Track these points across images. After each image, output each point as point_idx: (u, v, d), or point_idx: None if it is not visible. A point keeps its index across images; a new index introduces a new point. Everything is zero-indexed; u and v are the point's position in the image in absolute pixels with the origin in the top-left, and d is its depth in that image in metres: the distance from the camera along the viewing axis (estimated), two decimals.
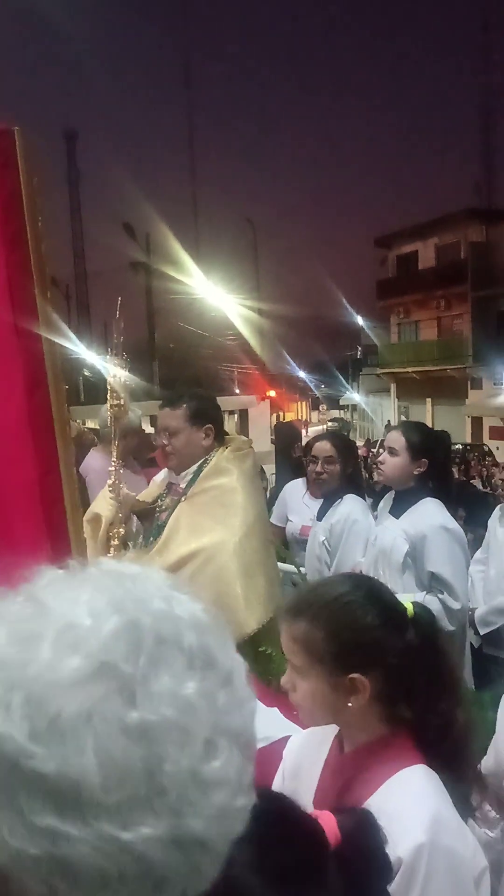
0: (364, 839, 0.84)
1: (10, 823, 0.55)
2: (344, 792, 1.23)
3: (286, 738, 1.85)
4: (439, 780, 1.21)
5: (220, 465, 2.51)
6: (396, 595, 2.85)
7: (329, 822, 0.79)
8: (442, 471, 3.20)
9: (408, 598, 2.83)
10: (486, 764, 1.69)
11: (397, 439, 3.04)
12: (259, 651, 2.37)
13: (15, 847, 0.55)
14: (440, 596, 2.88)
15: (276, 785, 1.41)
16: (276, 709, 1.94)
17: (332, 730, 1.33)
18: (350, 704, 1.22)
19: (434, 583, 2.91)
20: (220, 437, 2.61)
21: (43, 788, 0.54)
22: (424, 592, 2.92)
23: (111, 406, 2.48)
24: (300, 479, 4.43)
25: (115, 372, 2.45)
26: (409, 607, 1.31)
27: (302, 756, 1.40)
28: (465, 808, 1.24)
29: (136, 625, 0.60)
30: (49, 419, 1.47)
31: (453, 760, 1.24)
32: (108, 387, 2.48)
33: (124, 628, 0.59)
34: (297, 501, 4.32)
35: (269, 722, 1.84)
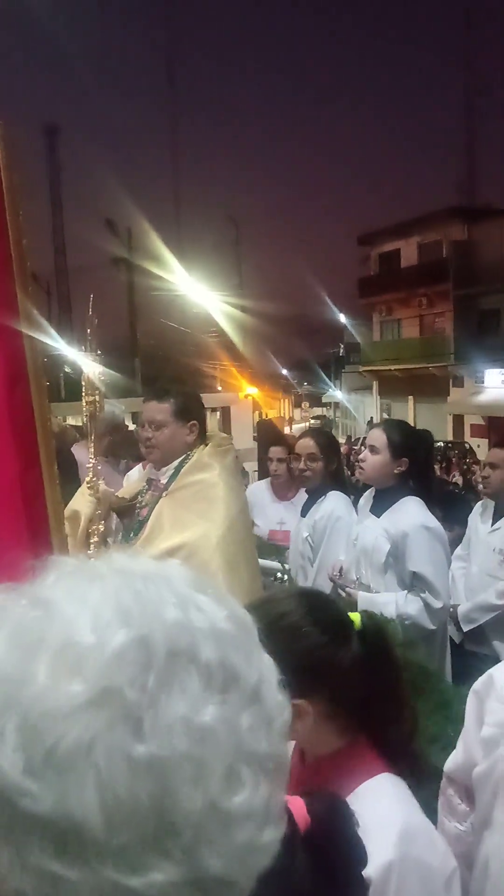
0: (335, 823, 0.84)
1: (9, 861, 0.50)
2: None
3: None
4: (404, 786, 1.20)
5: (202, 460, 2.50)
6: (377, 596, 2.90)
7: (298, 807, 0.78)
8: (423, 469, 3.20)
9: (390, 596, 2.88)
10: (455, 758, 1.69)
11: (378, 437, 3.05)
12: None
13: (13, 887, 0.50)
14: (422, 595, 2.90)
15: None
16: None
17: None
18: (295, 731, 1.16)
19: (416, 582, 2.92)
20: (203, 435, 2.62)
21: (40, 829, 0.49)
22: (406, 591, 2.94)
23: (86, 402, 2.46)
24: (263, 481, 4.46)
25: (89, 368, 2.43)
26: (356, 619, 1.26)
27: None
28: (430, 811, 1.26)
29: (146, 641, 0.53)
30: (30, 415, 1.46)
31: (415, 767, 1.24)
32: (83, 383, 2.46)
33: (131, 646, 0.52)
34: (262, 504, 4.33)
35: None
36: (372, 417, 28.91)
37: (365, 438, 3.21)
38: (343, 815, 0.81)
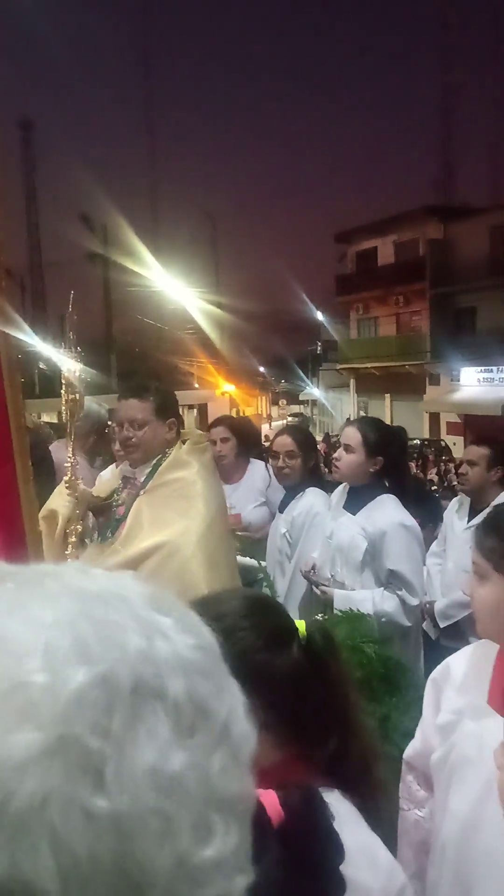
0: (310, 816, 0.81)
1: None
2: None
3: None
4: (342, 801, 1.14)
5: (181, 458, 2.48)
6: (354, 594, 2.90)
7: (271, 801, 0.76)
8: (398, 467, 3.22)
9: (366, 594, 2.89)
10: (414, 745, 1.71)
11: (353, 436, 3.05)
12: None
13: None
14: (398, 592, 2.91)
15: None
16: None
17: None
18: None
19: (392, 579, 2.93)
20: (179, 432, 2.61)
21: None
22: (382, 589, 2.95)
23: (66, 401, 2.43)
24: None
25: (69, 366, 2.39)
26: (302, 628, 1.20)
27: None
28: (377, 826, 1.18)
29: (108, 679, 0.46)
30: (3, 410, 1.42)
31: (354, 786, 1.17)
32: (63, 381, 2.42)
33: (92, 686, 0.46)
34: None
35: None
36: (350, 415, 29.03)
37: (339, 437, 3.22)
38: (317, 807, 0.79)
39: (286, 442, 3.64)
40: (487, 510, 3.85)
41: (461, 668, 1.60)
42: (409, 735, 1.98)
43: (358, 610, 2.76)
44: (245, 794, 0.52)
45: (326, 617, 2.82)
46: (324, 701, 1.17)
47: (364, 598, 2.90)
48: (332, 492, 3.46)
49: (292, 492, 3.64)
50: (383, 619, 2.85)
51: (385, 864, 1.11)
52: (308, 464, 3.63)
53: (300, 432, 3.88)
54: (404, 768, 1.73)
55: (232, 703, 0.53)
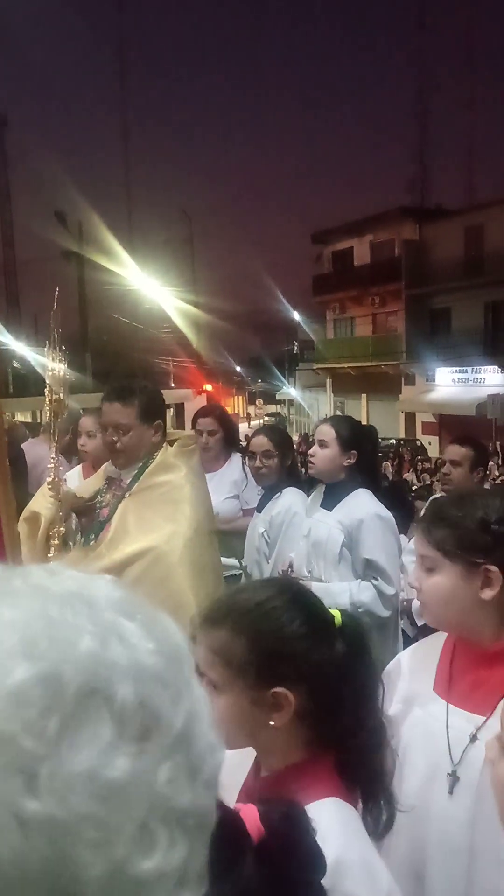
0: (290, 832, 0.79)
1: None
2: None
3: None
4: (352, 813, 1.13)
5: (168, 461, 2.44)
6: (331, 586, 2.90)
7: (251, 816, 0.73)
8: (370, 463, 3.28)
9: (343, 585, 2.89)
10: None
11: (328, 432, 3.09)
12: None
13: None
14: (374, 582, 2.94)
15: None
16: None
17: (251, 752, 1.22)
18: (272, 723, 1.11)
19: (368, 570, 2.96)
20: (165, 433, 2.55)
21: None
22: (359, 580, 2.97)
23: (49, 401, 2.38)
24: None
25: (52, 366, 2.34)
26: (337, 615, 1.20)
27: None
28: (378, 829, 1.16)
29: (51, 678, 0.44)
30: None
31: (368, 785, 1.16)
32: (47, 382, 2.37)
33: (33, 683, 0.44)
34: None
35: None
36: (327, 415, 29.14)
37: (312, 435, 3.23)
38: (300, 824, 0.77)
39: (262, 442, 3.64)
40: (427, 504, 3.90)
41: (411, 659, 1.63)
42: None
43: (335, 602, 2.77)
44: (199, 807, 0.49)
45: None
46: (359, 692, 1.16)
47: (341, 589, 2.92)
48: (309, 491, 3.46)
49: (270, 492, 3.65)
50: (361, 610, 2.87)
51: (384, 884, 1.09)
52: (285, 463, 3.64)
53: (276, 432, 3.89)
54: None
55: (192, 712, 0.50)
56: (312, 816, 1.03)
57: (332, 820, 1.07)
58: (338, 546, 2.98)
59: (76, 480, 3.40)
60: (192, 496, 2.35)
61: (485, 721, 1.38)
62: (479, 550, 1.38)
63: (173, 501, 2.33)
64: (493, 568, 1.34)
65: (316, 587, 2.95)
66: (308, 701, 1.13)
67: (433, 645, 1.60)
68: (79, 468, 3.82)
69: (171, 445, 2.53)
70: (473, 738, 1.39)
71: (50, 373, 2.34)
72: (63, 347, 2.36)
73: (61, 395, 2.35)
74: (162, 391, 2.84)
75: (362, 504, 3.02)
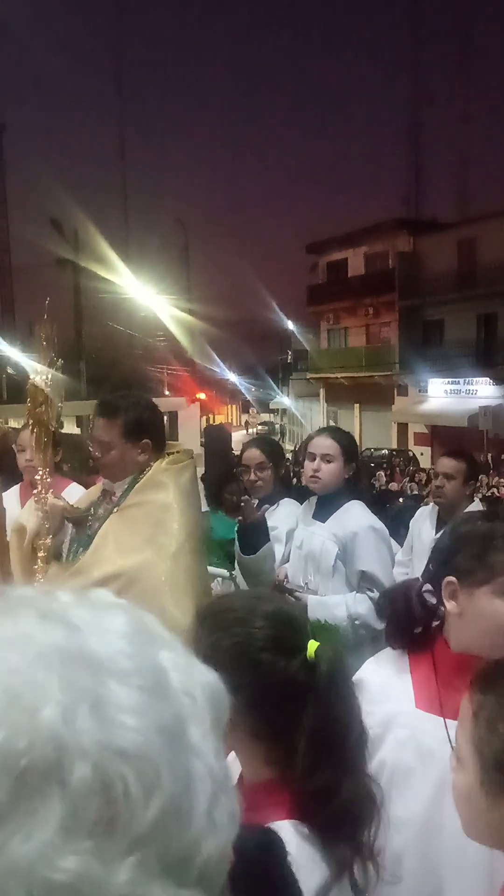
0: (262, 860, 0.77)
1: None
2: None
3: None
4: (309, 837, 1.07)
5: (157, 478, 2.35)
6: (327, 599, 2.89)
7: None
8: (359, 473, 3.27)
9: (339, 598, 2.88)
10: None
11: (332, 446, 3.05)
12: None
13: None
14: (370, 594, 2.91)
15: None
16: None
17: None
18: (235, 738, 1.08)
19: (363, 582, 2.94)
20: (160, 447, 2.45)
21: None
22: (354, 592, 2.95)
23: (31, 411, 2.32)
24: None
25: (38, 374, 2.28)
26: (312, 647, 1.13)
27: None
28: (341, 869, 1.09)
29: (1, 749, 0.39)
30: None
31: (330, 829, 1.09)
32: (28, 392, 2.32)
33: None
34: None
35: None
36: (320, 425, 29.19)
37: (304, 448, 3.18)
38: (275, 852, 0.76)
39: (255, 455, 3.60)
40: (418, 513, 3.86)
41: (375, 681, 1.55)
42: None
43: (324, 621, 2.76)
44: None
45: None
46: (320, 729, 1.10)
47: (337, 602, 2.91)
48: (300, 500, 3.45)
49: (265, 503, 3.61)
50: (357, 622, 2.86)
51: None
52: (279, 474, 3.61)
53: (268, 444, 3.83)
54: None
55: (175, 798, 0.43)
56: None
57: (287, 843, 1.00)
58: (332, 558, 2.96)
59: (14, 503, 3.20)
60: (177, 517, 2.28)
61: None
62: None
63: (155, 523, 2.26)
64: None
65: (312, 600, 2.93)
66: (260, 720, 1.09)
67: (394, 662, 1.57)
68: (16, 489, 3.56)
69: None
70: None
71: (31, 382, 2.29)
72: (55, 356, 2.31)
73: (44, 406, 2.30)
74: (156, 399, 2.76)
75: (356, 516, 3.01)
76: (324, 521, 3.06)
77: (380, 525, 3.06)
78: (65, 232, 25.04)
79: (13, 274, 33.58)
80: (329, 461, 3.04)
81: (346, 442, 3.11)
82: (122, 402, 2.43)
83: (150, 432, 2.41)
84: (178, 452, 2.47)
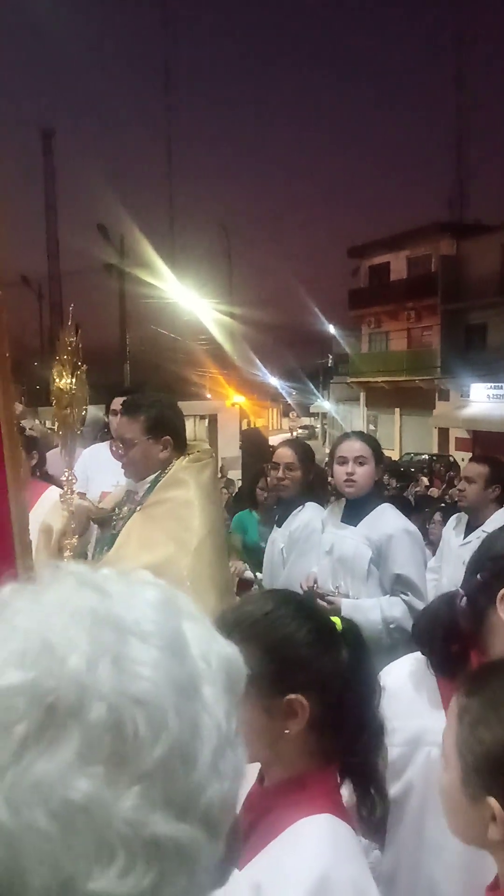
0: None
1: None
2: (250, 831, 1.13)
3: None
4: (347, 832, 1.11)
5: (178, 475, 2.41)
6: (361, 602, 2.91)
7: None
8: (381, 476, 3.32)
9: (373, 601, 2.90)
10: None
11: (364, 448, 3.07)
12: None
13: None
14: (404, 597, 2.91)
15: None
16: None
17: (255, 763, 1.20)
18: (287, 731, 1.12)
19: (397, 585, 2.93)
20: (181, 446, 2.51)
21: None
22: (388, 595, 2.94)
23: (57, 413, 2.38)
24: (104, 444, 3.82)
25: (59, 381, 2.34)
26: (338, 622, 1.21)
27: None
28: (374, 821, 1.18)
29: (31, 689, 0.47)
30: None
31: (367, 782, 1.16)
32: (53, 394, 2.37)
33: (14, 692, 0.47)
34: (104, 464, 3.55)
35: None
36: (352, 430, 28.92)
37: (334, 452, 3.18)
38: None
39: (287, 454, 3.63)
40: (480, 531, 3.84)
41: (403, 695, 1.46)
42: None
43: (366, 619, 2.77)
44: (178, 839, 0.49)
45: None
46: (363, 699, 1.16)
47: (372, 605, 2.90)
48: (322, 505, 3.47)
49: (290, 506, 3.63)
50: (392, 626, 2.86)
51: None
52: (307, 478, 3.62)
53: (300, 446, 3.86)
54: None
55: (182, 744, 0.50)
56: (304, 831, 1.08)
57: (323, 836, 1.07)
58: (366, 562, 2.95)
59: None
60: (198, 513, 2.32)
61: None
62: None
63: (177, 518, 2.31)
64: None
65: (346, 604, 2.93)
66: (319, 707, 1.13)
67: (422, 673, 1.46)
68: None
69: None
70: None
71: (56, 387, 2.35)
72: (80, 363, 2.37)
73: (69, 408, 2.35)
74: (195, 402, 2.81)
75: (390, 519, 3.01)
76: (354, 525, 3.06)
77: (413, 528, 3.06)
78: (111, 237, 25.45)
79: (62, 278, 34.22)
80: (362, 463, 3.04)
81: (375, 445, 3.16)
82: (144, 400, 2.52)
83: (171, 430, 2.47)
84: (198, 451, 2.52)
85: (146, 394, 2.65)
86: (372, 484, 3.08)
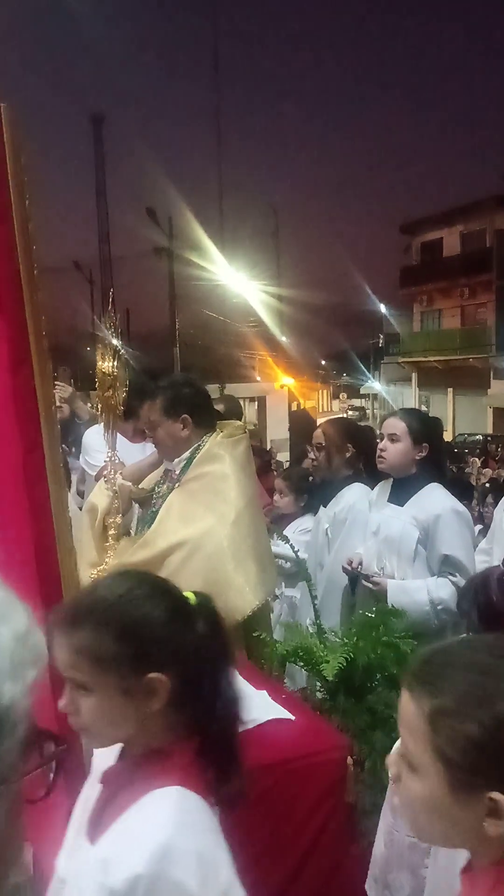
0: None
1: None
2: (106, 805, 1.16)
3: (274, 720, 1.85)
4: (197, 803, 1.11)
5: (212, 451, 2.49)
6: (407, 583, 2.86)
7: None
8: (440, 456, 3.18)
9: (420, 582, 2.85)
10: None
11: (397, 425, 3.02)
12: (252, 636, 2.38)
13: None
14: (452, 578, 2.86)
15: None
16: (264, 692, 1.95)
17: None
18: (149, 709, 1.14)
19: (445, 566, 2.88)
20: (206, 423, 2.57)
21: None
22: (436, 577, 2.90)
23: (100, 396, 2.45)
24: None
25: (101, 364, 2.40)
26: (191, 596, 1.23)
27: (98, 762, 1.31)
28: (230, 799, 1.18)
29: None
30: (33, 397, 1.47)
31: (225, 759, 1.17)
32: (97, 377, 2.44)
33: None
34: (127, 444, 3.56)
35: (257, 705, 1.85)
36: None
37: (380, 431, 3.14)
38: None
39: (317, 434, 3.60)
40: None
41: None
42: None
43: (413, 600, 2.73)
44: None
45: (374, 612, 2.78)
46: (217, 671, 1.18)
47: (419, 586, 2.87)
48: (371, 485, 3.40)
49: (335, 487, 3.56)
50: (440, 607, 2.82)
51: (223, 877, 1.07)
52: (342, 457, 3.52)
53: (335, 425, 3.77)
54: (389, 793, 1.60)
55: None
56: (152, 802, 1.08)
57: (170, 808, 1.08)
58: (413, 542, 2.91)
59: None
60: (235, 486, 2.39)
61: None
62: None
63: (215, 492, 2.38)
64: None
65: (392, 585, 2.90)
66: (177, 682, 1.15)
67: None
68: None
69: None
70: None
71: (99, 368, 2.41)
72: (118, 346, 2.43)
73: (112, 391, 2.42)
74: (244, 385, 2.88)
75: (437, 499, 2.95)
76: (401, 505, 3.01)
77: (462, 508, 2.99)
78: (160, 221, 25.54)
79: (112, 262, 34.55)
80: (394, 440, 3.00)
81: (416, 423, 3.04)
82: (161, 382, 2.61)
83: (189, 407, 2.53)
84: (231, 427, 2.60)
85: (165, 376, 2.73)
86: (407, 462, 3.01)
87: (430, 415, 3.50)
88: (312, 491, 4.04)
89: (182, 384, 2.63)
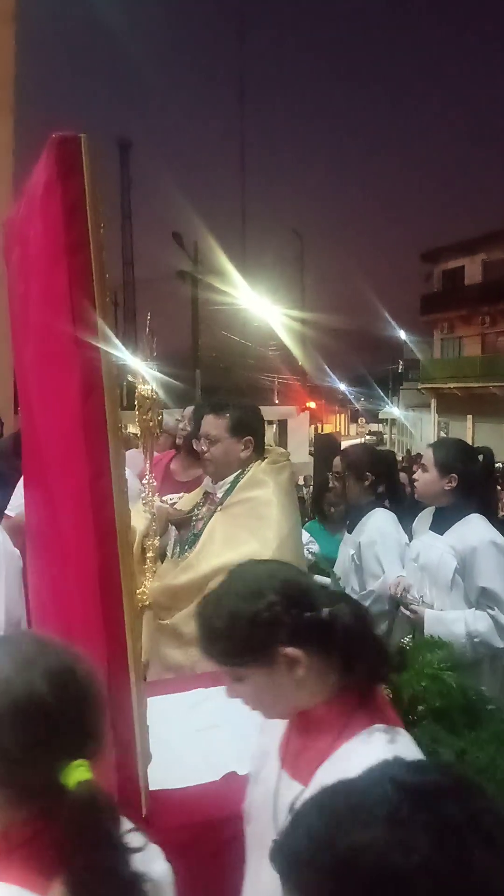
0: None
1: None
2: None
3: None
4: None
5: (257, 476, 2.50)
6: (445, 614, 2.83)
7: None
8: (481, 487, 3.09)
9: (458, 614, 2.82)
10: None
11: (427, 454, 3.07)
12: None
13: None
14: (490, 612, 2.81)
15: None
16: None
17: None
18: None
19: (483, 598, 2.84)
20: (260, 449, 2.60)
21: None
22: (473, 609, 2.85)
23: (140, 420, 2.48)
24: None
25: (141, 387, 2.45)
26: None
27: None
28: None
29: None
30: (102, 423, 1.48)
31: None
32: (136, 400, 2.49)
33: None
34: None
35: None
36: (433, 436, 28.46)
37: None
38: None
39: (336, 462, 3.61)
40: None
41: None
42: (484, 772, 1.88)
43: (437, 637, 2.71)
44: None
45: (411, 640, 2.75)
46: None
47: (456, 618, 2.83)
48: (407, 511, 3.39)
49: (359, 512, 3.54)
50: (476, 640, 2.78)
51: None
52: (362, 484, 3.50)
53: (354, 452, 3.77)
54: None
55: None
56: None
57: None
58: (450, 571, 2.87)
59: None
60: (278, 512, 2.40)
61: (301, 791, 1.22)
62: (261, 645, 1.27)
63: (259, 517, 2.38)
64: (290, 649, 1.25)
65: (429, 615, 2.86)
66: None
67: None
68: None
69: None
70: (292, 808, 1.15)
71: (139, 391, 2.46)
72: (149, 361, 2.50)
73: (150, 415, 2.46)
74: (265, 407, 2.91)
75: (476, 530, 2.91)
76: (441, 534, 2.98)
77: (501, 540, 2.91)
78: (185, 245, 25.84)
79: (136, 285, 34.95)
80: (424, 470, 3.03)
81: (442, 453, 3.00)
82: (231, 400, 2.65)
83: (253, 431, 2.57)
84: (275, 454, 2.61)
85: (232, 396, 2.75)
86: (434, 491, 2.99)
87: (477, 445, 3.41)
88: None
89: (248, 407, 2.68)
